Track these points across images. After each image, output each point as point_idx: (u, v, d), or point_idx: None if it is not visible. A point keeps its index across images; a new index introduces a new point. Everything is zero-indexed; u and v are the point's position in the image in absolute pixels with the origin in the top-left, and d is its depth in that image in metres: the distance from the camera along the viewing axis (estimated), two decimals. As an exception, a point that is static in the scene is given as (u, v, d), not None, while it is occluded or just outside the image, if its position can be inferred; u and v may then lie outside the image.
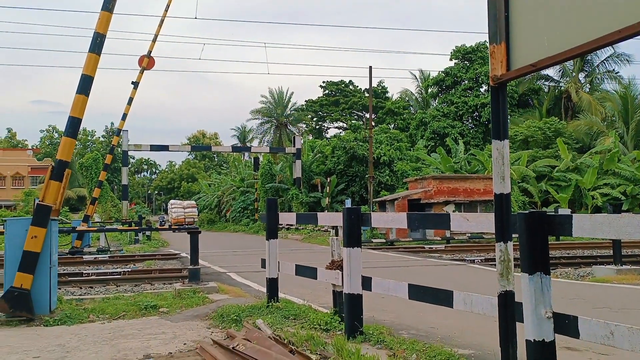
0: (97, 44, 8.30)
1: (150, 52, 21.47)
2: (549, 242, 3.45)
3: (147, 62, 21.47)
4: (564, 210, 28.25)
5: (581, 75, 47.74)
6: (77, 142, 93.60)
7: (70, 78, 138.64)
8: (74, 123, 8.17)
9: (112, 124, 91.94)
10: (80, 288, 11.40)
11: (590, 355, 5.26)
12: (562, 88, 47.67)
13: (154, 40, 21.55)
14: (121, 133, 25.46)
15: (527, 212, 3.36)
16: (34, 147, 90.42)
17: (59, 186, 7.90)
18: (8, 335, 6.58)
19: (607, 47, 2.73)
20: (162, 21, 21.19)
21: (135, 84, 21.68)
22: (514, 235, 3.47)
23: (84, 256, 17.68)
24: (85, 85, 8.19)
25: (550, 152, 35.89)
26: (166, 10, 20.88)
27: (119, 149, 38.91)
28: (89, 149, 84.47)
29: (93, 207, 23.46)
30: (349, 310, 5.75)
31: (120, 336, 6.42)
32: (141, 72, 21.58)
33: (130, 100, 21.91)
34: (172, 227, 10.76)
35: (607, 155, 32.69)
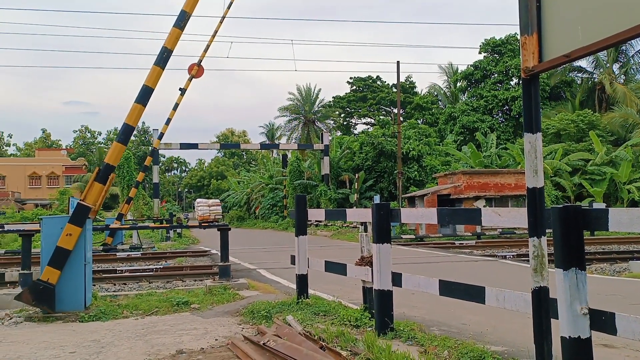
0: (163, 58, 8.48)
1: (200, 61, 21.58)
2: (584, 237, 3.37)
3: (196, 70, 21.60)
4: (599, 205, 27.60)
5: (615, 66, 46.52)
6: (109, 142, 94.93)
7: (102, 79, 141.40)
8: (127, 130, 8.39)
9: (143, 123, 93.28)
10: (114, 284, 11.62)
11: (628, 352, 5.13)
12: (596, 79, 46.54)
13: (205, 50, 21.66)
14: (154, 133, 25.72)
15: (561, 206, 3.28)
16: (68, 147, 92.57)
17: (101, 189, 8.08)
18: (45, 331, 6.74)
19: (644, 36, 2.62)
20: (215, 32, 21.27)
21: (183, 91, 21.90)
22: (547, 230, 3.40)
23: (117, 253, 18.02)
24: (144, 95, 8.37)
25: (583, 145, 35.11)
26: (221, 22, 20.93)
27: (150, 148, 39.48)
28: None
29: (128, 206, 23.90)
30: (379, 306, 5.73)
31: (154, 332, 6.52)
32: (189, 80, 21.75)
33: (176, 105, 22.22)
34: (202, 224, 10.91)
35: (643, 147, 31.83)
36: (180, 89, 21.90)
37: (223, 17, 20.80)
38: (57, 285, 7.50)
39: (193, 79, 21.59)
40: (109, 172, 8.18)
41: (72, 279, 7.59)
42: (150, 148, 37.96)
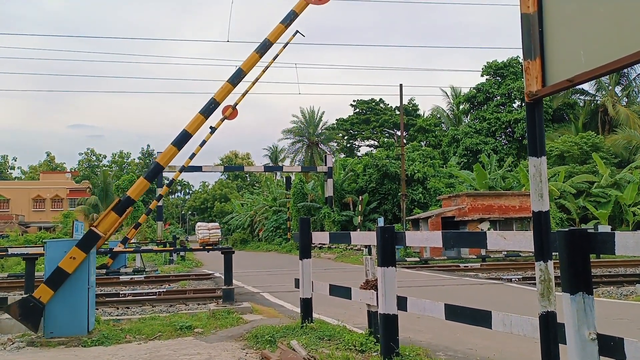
0: (209, 109, 8.71)
1: (236, 104, 21.64)
2: (590, 260, 3.35)
3: (230, 112, 21.60)
4: (604, 227, 27.48)
5: (617, 89, 46.72)
6: (113, 165, 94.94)
7: (107, 102, 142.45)
8: (156, 169, 8.64)
9: (148, 146, 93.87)
10: (117, 308, 11.56)
11: (637, 378, 5.05)
12: (598, 102, 46.70)
13: (243, 95, 21.77)
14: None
15: (567, 230, 3.26)
16: (72, 170, 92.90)
17: (116, 219, 8.12)
18: (47, 356, 6.69)
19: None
20: (256, 79, 21.37)
21: (213, 129, 21.95)
22: (554, 253, 3.38)
23: (120, 277, 17.96)
24: (182, 139, 8.55)
25: (587, 168, 35.09)
26: (264, 71, 20.97)
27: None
28: (125, 171, 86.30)
29: (135, 231, 23.88)
30: (384, 331, 5.67)
31: (157, 357, 6.46)
32: (222, 120, 21.82)
33: (204, 142, 22.31)
34: (206, 247, 10.92)
35: (647, 169, 31.78)
36: (210, 127, 21.90)
37: (266, 67, 20.81)
38: (58, 308, 7.45)
39: (226, 119, 21.60)
40: (128, 205, 8.24)
41: (75, 303, 7.54)
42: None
